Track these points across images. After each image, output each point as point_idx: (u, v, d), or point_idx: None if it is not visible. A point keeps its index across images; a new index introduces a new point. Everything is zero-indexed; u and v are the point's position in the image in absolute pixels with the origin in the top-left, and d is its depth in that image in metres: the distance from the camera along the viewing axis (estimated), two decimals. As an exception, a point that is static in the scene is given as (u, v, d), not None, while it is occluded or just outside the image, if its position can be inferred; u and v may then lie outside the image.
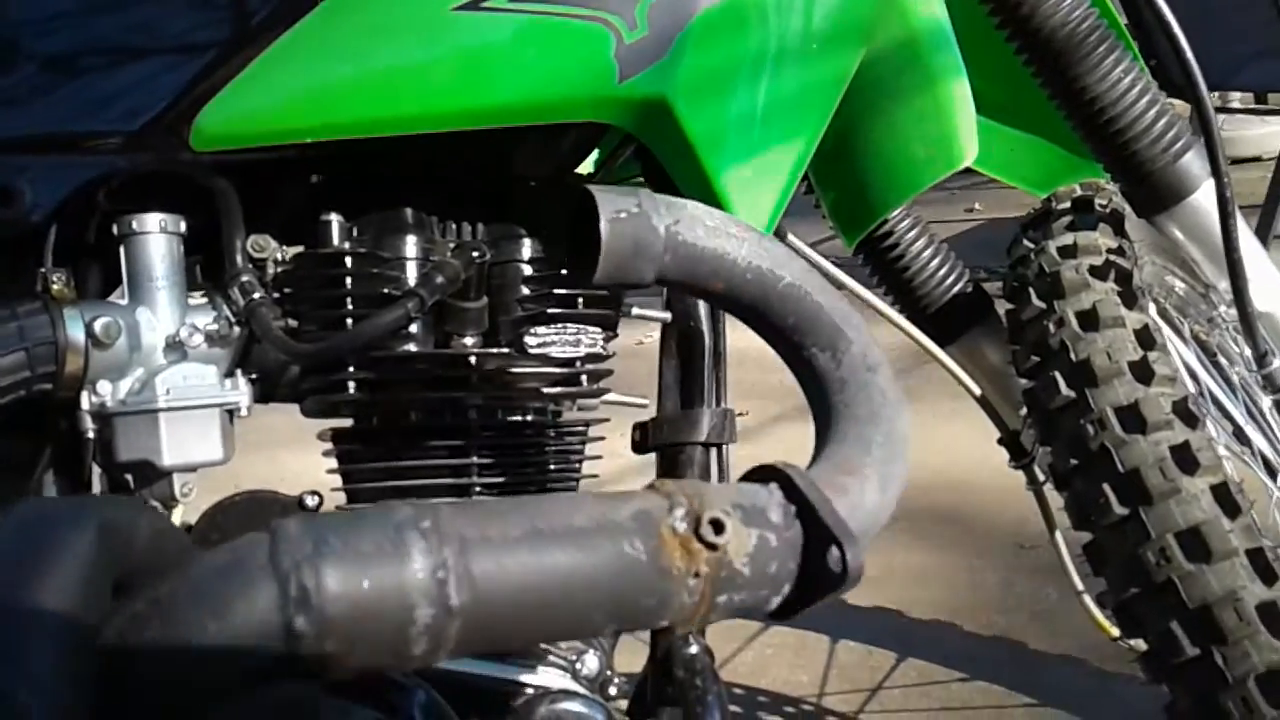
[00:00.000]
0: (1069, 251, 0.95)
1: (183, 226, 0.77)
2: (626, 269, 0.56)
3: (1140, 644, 0.84)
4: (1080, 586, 1.06)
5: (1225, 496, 0.80)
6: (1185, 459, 0.81)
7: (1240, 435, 1.11)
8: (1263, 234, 2.65)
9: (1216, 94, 3.62)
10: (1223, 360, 1.20)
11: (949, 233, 4.28)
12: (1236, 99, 3.69)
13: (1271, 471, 1.09)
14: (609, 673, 0.81)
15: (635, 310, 0.91)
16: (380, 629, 0.37)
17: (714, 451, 0.89)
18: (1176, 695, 0.81)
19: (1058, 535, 1.06)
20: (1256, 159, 4.50)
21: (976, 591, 1.97)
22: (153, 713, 0.34)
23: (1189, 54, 0.85)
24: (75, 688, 0.32)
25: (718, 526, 0.45)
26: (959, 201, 4.37)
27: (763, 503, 0.47)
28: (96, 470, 0.81)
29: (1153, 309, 1.17)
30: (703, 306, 0.89)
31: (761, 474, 0.49)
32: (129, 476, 0.77)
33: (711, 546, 0.44)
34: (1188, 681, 0.79)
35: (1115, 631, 0.88)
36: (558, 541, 0.42)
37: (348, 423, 0.82)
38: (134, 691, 0.34)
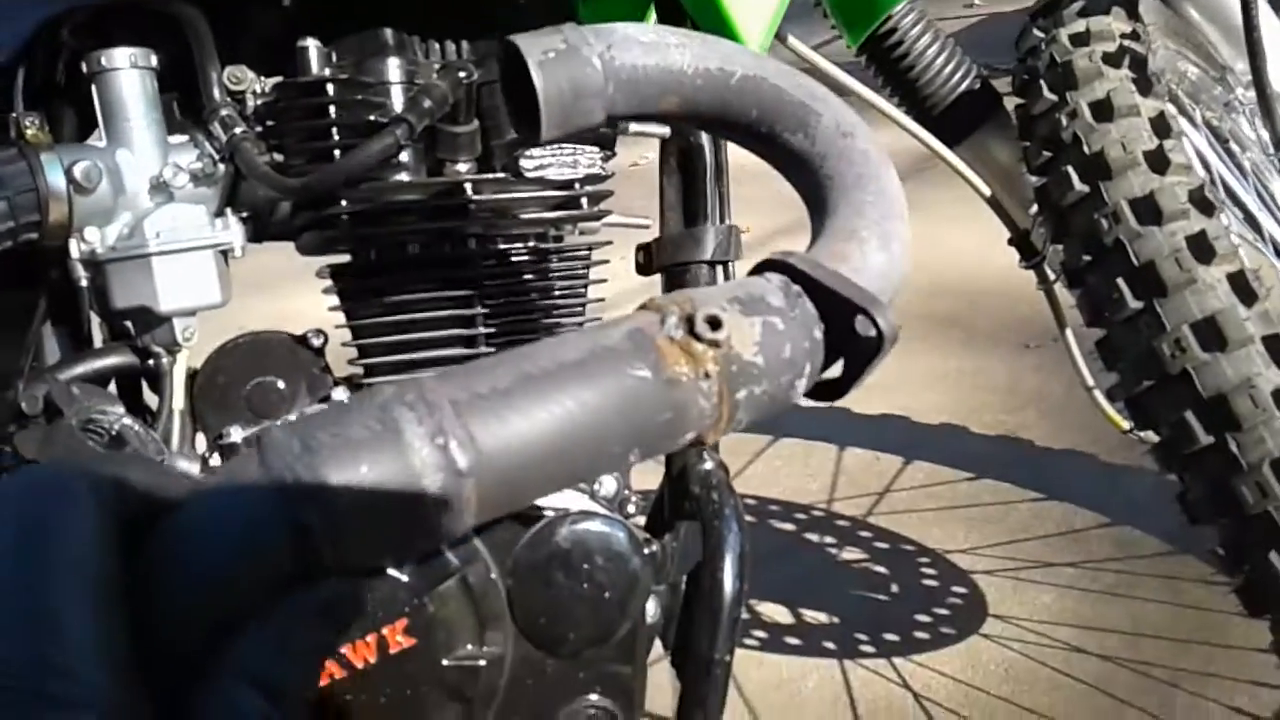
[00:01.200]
0: (1081, 39, 0.91)
1: (154, 60, 0.74)
2: (572, 113, 0.53)
3: (1152, 436, 0.84)
4: (1091, 382, 1.06)
5: (1242, 284, 0.79)
6: (1202, 248, 0.79)
7: (1252, 221, 1.09)
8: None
9: None
10: (1235, 146, 1.17)
11: (948, 30, 4.16)
12: None
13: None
14: (626, 492, 0.82)
15: (632, 126, 0.88)
16: (392, 508, 0.36)
17: (720, 269, 0.87)
18: (1189, 484, 0.82)
19: (1068, 333, 1.05)
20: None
21: (982, 393, 1.99)
22: (192, 646, 0.34)
23: None
24: (115, 645, 0.32)
25: (714, 322, 0.43)
26: (957, -4, 4.21)
27: (759, 291, 0.45)
28: (95, 319, 0.80)
29: (1165, 95, 1.13)
30: None
31: (756, 269, 0.48)
32: (128, 324, 0.75)
33: (713, 343, 0.43)
34: (1201, 470, 0.79)
35: (1126, 425, 0.88)
36: (551, 380, 0.41)
37: (345, 258, 0.80)
38: (165, 632, 0.33)
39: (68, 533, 0.33)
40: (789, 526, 1.75)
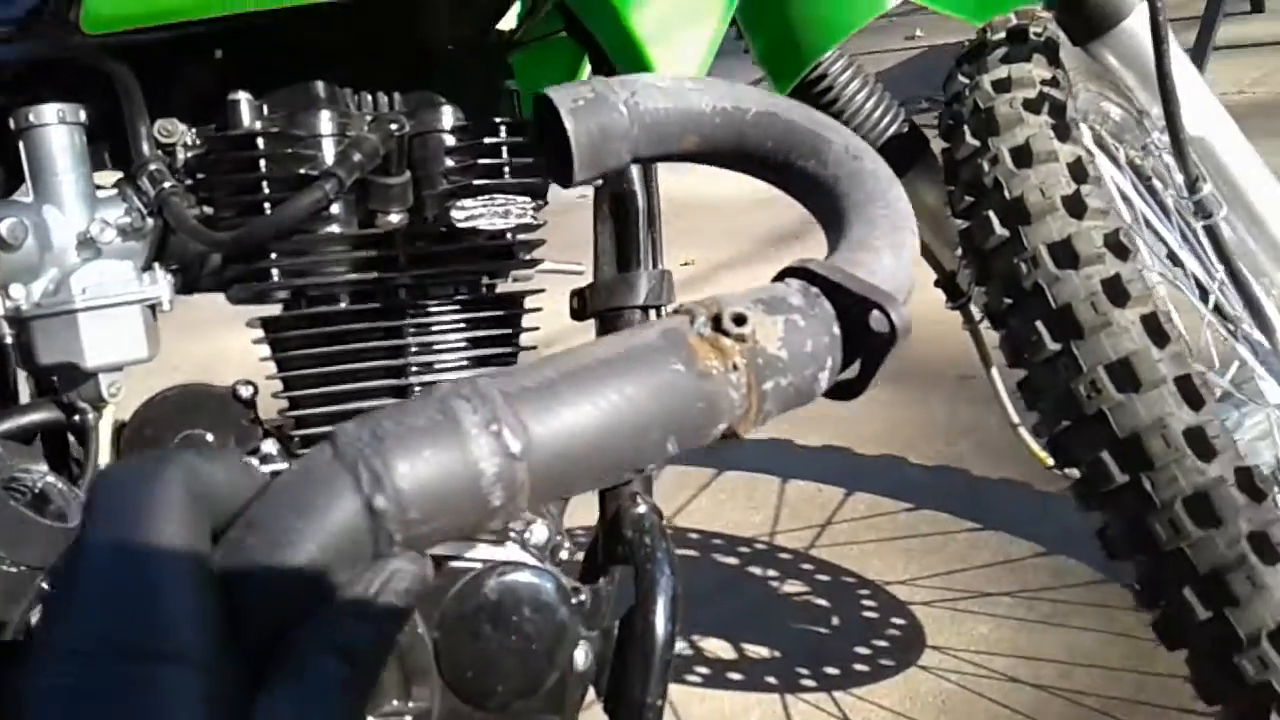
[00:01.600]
0: (1003, 85, 0.94)
1: (83, 116, 0.74)
2: (601, 155, 0.57)
3: (1073, 473, 0.86)
4: (1016, 420, 1.08)
5: (1154, 326, 0.81)
6: (1116, 291, 0.82)
7: (1175, 260, 1.13)
8: (1200, 51, 2.64)
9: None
10: (1158, 184, 1.21)
11: (890, 61, 4.22)
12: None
13: (1203, 294, 1.11)
14: (559, 538, 0.82)
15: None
16: (453, 489, 0.39)
17: (653, 314, 0.89)
18: (1108, 521, 0.84)
19: (994, 371, 1.08)
20: (1193, -31, 4.45)
21: (921, 423, 2.02)
22: (272, 623, 0.36)
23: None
24: (211, 615, 0.35)
25: (739, 319, 0.46)
26: (898, 29, 4.30)
27: (781, 293, 0.48)
28: (22, 375, 0.80)
29: (1088, 136, 1.16)
30: (634, 167, 0.87)
31: (778, 276, 0.51)
32: (54, 380, 0.75)
33: (740, 338, 0.46)
34: (1118, 507, 0.81)
35: (1051, 461, 0.90)
36: (593, 374, 0.44)
37: (277, 309, 0.80)
38: (248, 611, 0.36)
39: (162, 519, 0.36)
40: (732, 560, 1.76)
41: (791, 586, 1.67)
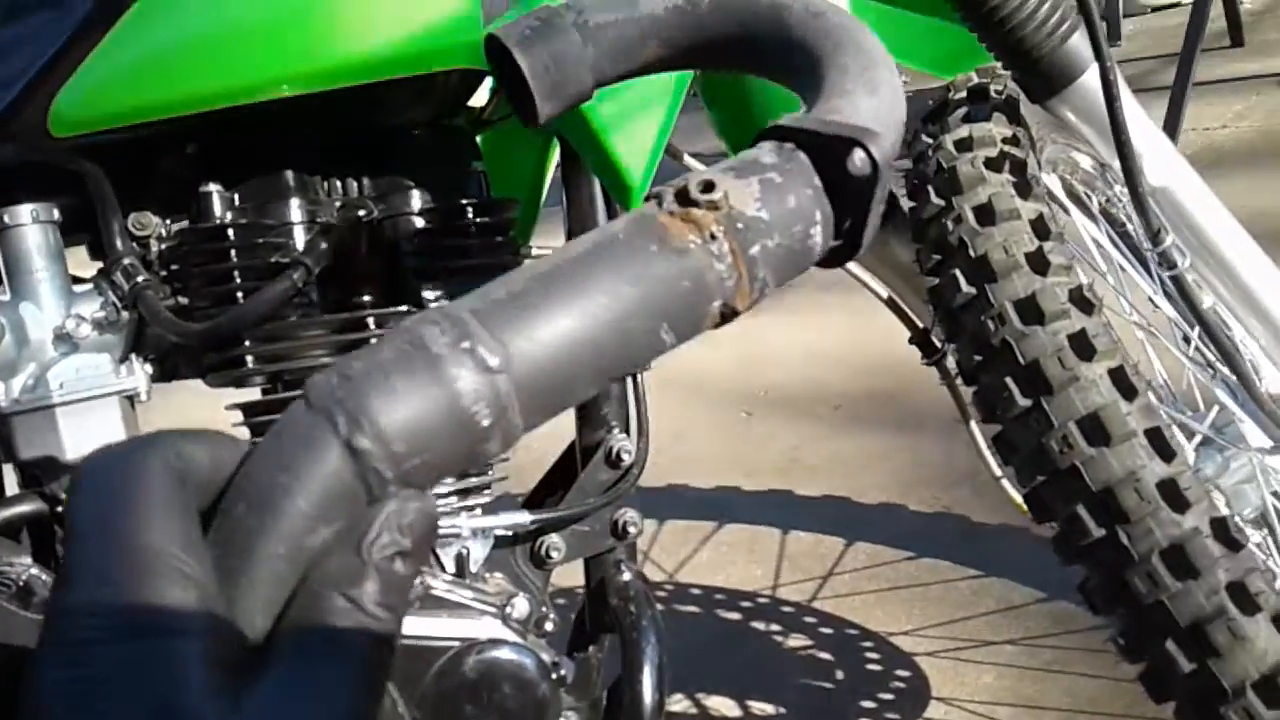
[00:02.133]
0: (964, 145, 0.95)
1: (56, 214, 0.76)
2: (562, 85, 0.54)
3: (1053, 527, 0.86)
4: (998, 472, 1.09)
5: (1122, 379, 0.82)
6: (1083, 346, 0.83)
7: (1152, 305, 1.13)
8: (1180, 87, 2.66)
9: (1132, -56, 3.58)
10: (1132, 230, 1.22)
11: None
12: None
13: (1183, 340, 1.12)
14: (543, 610, 0.83)
15: (535, 249, 0.91)
16: (435, 414, 0.37)
17: (629, 381, 0.90)
18: (1088, 574, 0.84)
19: (973, 425, 1.08)
20: (1175, 4, 4.50)
21: (920, 470, 2.02)
22: (276, 586, 0.35)
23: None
24: (206, 583, 0.34)
25: (707, 186, 0.43)
26: (885, 76, 4.32)
27: (751, 156, 0.45)
28: (7, 468, 0.81)
29: (1059, 186, 1.18)
30: (604, 218, 0.88)
31: (750, 142, 0.48)
32: (37, 472, 0.76)
33: (711, 205, 0.43)
34: (1096, 561, 0.82)
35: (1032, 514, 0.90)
36: (565, 274, 0.41)
37: (255, 394, 0.81)
38: (249, 578, 0.35)
39: (147, 499, 0.35)
40: (735, 615, 1.75)
41: (795, 640, 1.66)
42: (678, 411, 2.39)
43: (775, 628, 1.70)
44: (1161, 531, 0.78)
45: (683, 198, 0.43)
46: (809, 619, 1.70)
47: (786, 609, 1.73)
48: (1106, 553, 0.80)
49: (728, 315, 0.44)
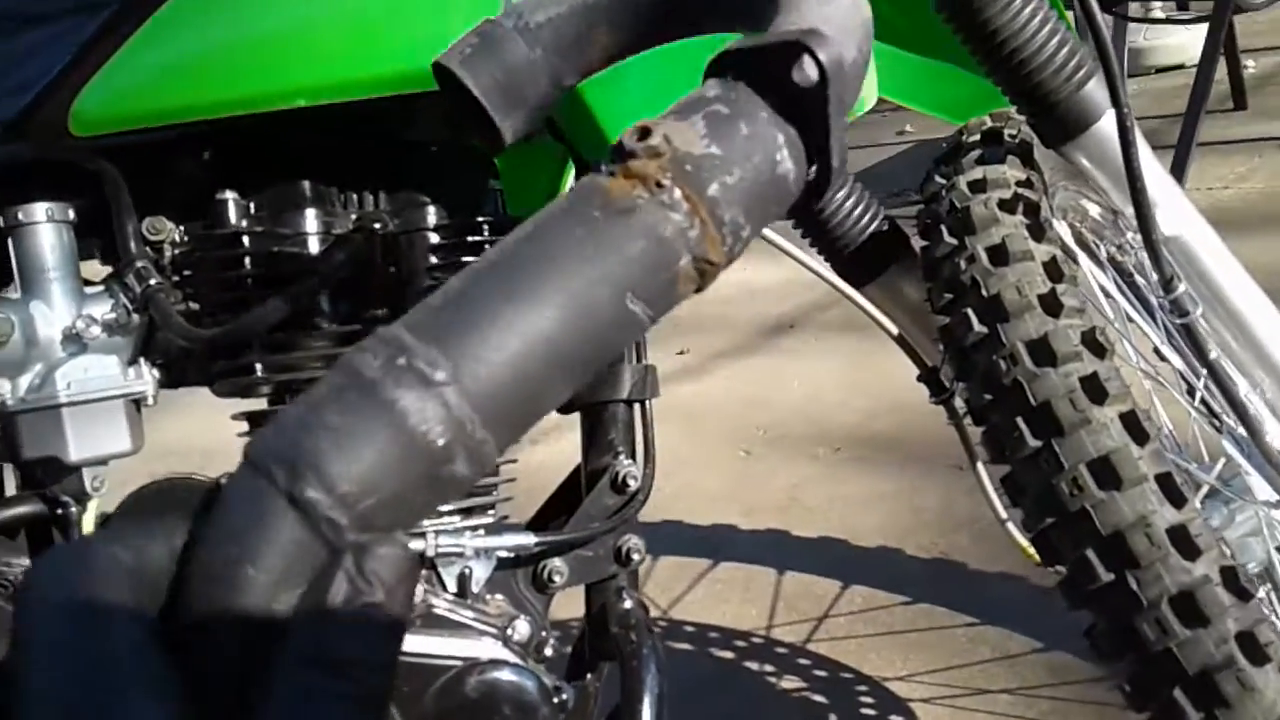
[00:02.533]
0: (978, 186, 0.95)
1: (71, 214, 0.76)
2: (519, 98, 0.50)
3: (1060, 570, 0.86)
4: (1004, 515, 1.08)
5: (1134, 424, 0.81)
6: (1094, 389, 0.82)
7: (1159, 355, 1.13)
8: (1184, 147, 2.68)
9: (1139, 3, 3.62)
10: (1140, 280, 1.22)
11: (882, 155, 4.29)
12: (1158, 7, 3.71)
13: (1189, 390, 1.11)
14: (544, 634, 0.82)
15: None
16: (382, 446, 0.33)
17: (637, 407, 0.89)
18: (1095, 619, 0.83)
19: (979, 467, 1.08)
20: (1179, 67, 4.55)
21: (918, 515, 2.01)
22: (246, 667, 0.33)
23: (1086, -16, 0.85)
24: (177, 689, 0.32)
25: (643, 132, 0.38)
26: (890, 124, 4.37)
27: (692, 96, 0.40)
28: (8, 467, 0.80)
29: (1068, 233, 1.18)
30: None
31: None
32: (39, 473, 0.75)
33: (652, 152, 0.38)
34: (1104, 606, 0.81)
35: (1039, 557, 0.89)
36: (503, 263, 0.36)
37: (262, 404, 0.81)
38: (218, 661, 0.33)
39: (101, 596, 0.33)
40: (729, 654, 1.73)
41: (789, 682, 1.64)
42: (674, 448, 2.38)
43: (769, 668, 1.68)
44: (1171, 578, 0.78)
45: (619, 153, 0.38)
46: (803, 661, 1.68)
47: (781, 650, 1.72)
48: (1115, 598, 0.79)
49: (706, 271, 0.39)
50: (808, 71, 0.39)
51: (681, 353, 2.93)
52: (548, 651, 0.82)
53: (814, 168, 0.41)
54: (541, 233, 0.37)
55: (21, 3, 0.74)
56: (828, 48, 0.39)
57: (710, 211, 0.38)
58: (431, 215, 0.81)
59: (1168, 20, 3.45)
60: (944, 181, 0.98)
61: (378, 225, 0.78)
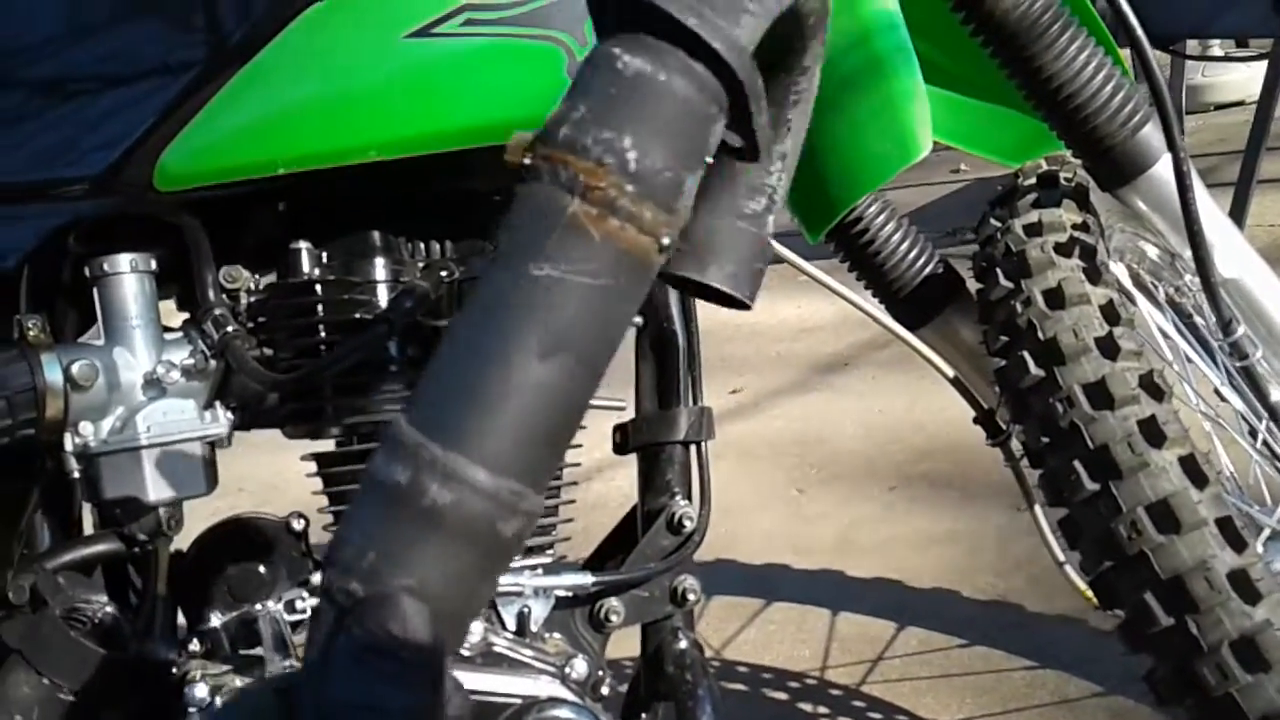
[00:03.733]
0: (1034, 229, 0.96)
1: (153, 264, 0.79)
2: (749, 269, 0.52)
3: (1119, 614, 0.85)
4: (1061, 558, 1.07)
5: (1193, 467, 0.81)
6: (1153, 432, 0.82)
7: (1219, 396, 1.13)
8: (1244, 185, 2.65)
9: (1197, 41, 3.60)
10: (1199, 321, 1.22)
11: (935, 195, 4.28)
12: (1216, 45, 3.68)
13: (1250, 431, 1.11)
14: (600, 673, 0.83)
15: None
16: (441, 547, 0.35)
17: (693, 449, 0.91)
18: (1155, 663, 0.83)
19: (1037, 509, 1.07)
20: (1239, 103, 4.50)
21: (975, 556, 1.99)
22: None
23: (1139, 30, 0.86)
24: None
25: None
26: (944, 163, 4.36)
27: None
28: (86, 507, 0.83)
29: (1125, 275, 1.18)
30: (674, 307, 0.90)
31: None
32: (117, 512, 0.78)
33: (521, 143, 0.39)
34: (1164, 650, 0.81)
35: (1097, 600, 0.89)
36: (465, 324, 0.39)
37: (330, 445, 0.83)
38: None
39: None
40: (782, 695, 1.73)
41: (843, 724, 1.64)
42: (727, 486, 2.39)
43: (823, 710, 1.67)
44: (1232, 622, 0.77)
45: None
46: (858, 703, 1.67)
47: (835, 691, 1.71)
48: (1175, 642, 0.79)
49: (608, 198, 0.39)
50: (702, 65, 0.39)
51: (735, 391, 2.94)
52: (604, 690, 0.83)
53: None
54: (477, 284, 0.40)
55: (107, 65, 0.78)
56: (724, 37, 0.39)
57: (569, 149, 0.38)
58: (494, 262, 0.83)
59: (1227, 58, 3.43)
60: (999, 224, 0.99)
61: (444, 273, 0.81)
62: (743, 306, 0.53)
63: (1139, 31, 0.86)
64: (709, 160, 0.42)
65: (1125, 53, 0.99)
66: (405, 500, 0.36)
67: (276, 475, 2.26)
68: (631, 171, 0.39)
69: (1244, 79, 4.41)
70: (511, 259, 0.39)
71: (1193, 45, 3.44)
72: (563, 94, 0.41)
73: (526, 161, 0.40)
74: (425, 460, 0.36)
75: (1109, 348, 0.86)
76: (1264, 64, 2.77)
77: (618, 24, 0.40)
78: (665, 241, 0.40)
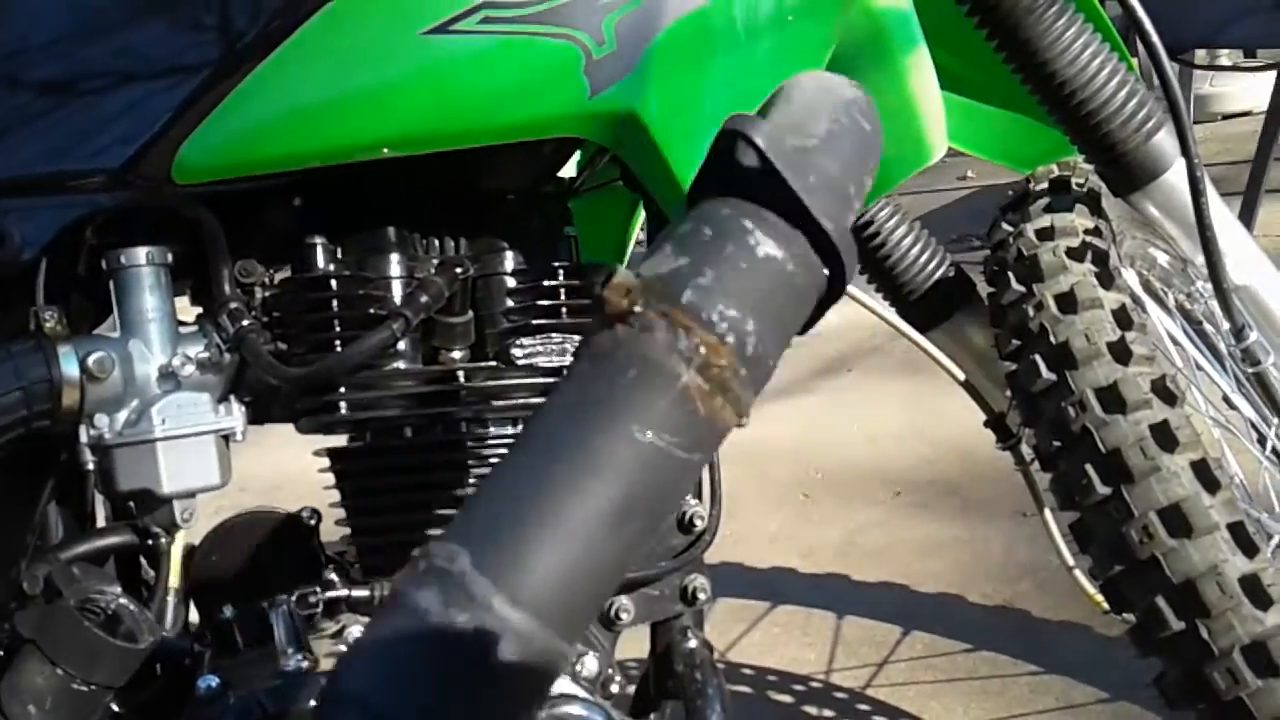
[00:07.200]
0: (1046, 234, 0.96)
1: (170, 258, 0.79)
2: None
3: (1130, 618, 0.85)
4: (1071, 562, 1.07)
5: (1204, 472, 0.81)
6: (1165, 437, 0.82)
7: (1228, 403, 1.12)
8: (1252, 192, 2.66)
9: (1205, 51, 3.60)
10: (1209, 328, 1.22)
11: (942, 201, 4.28)
12: (1225, 55, 3.68)
13: (1260, 439, 1.11)
14: (609, 671, 0.83)
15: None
16: (471, 685, 0.35)
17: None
18: (1166, 668, 0.83)
19: (1047, 513, 1.07)
20: (1247, 113, 4.49)
21: (980, 561, 1.99)
22: None
23: (1154, 36, 0.86)
24: None
25: (608, 275, 0.38)
26: (951, 170, 4.36)
27: (663, 232, 0.40)
28: (100, 499, 0.83)
29: (1135, 281, 1.18)
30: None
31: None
32: (131, 504, 0.79)
33: (621, 289, 0.38)
34: (1175, 654, 0.80)
35: (1107, 605, 0.89)
36: (526, 451, 0.37)
37: (342, 440, 0.83)
38: None
39: None
40: (787, 698, 1.73)
41: (847, 728, 1.63)
42: (732, 489, 2.38)
43: (828, 713, 1.67)
44: (1243, 628, 0.77)
45: (597, 305, 0.38)
46: (863, 706, 1.67)
47: (840, 695, 1.71)
48: (1186, 646, 0.79)
49: (723, 380, 0.38)
50: (743, 156, 0.39)
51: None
52: (614, 689, 0.84)
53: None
54: (549, 411, 0.37)
55: (126, 60, 0.78)
56: (759, 128, 0.39)
57: (693, 317, 0.37)
58: (509, 260, 0.84)
59: (1235, 68, 3.42)
60: (1011, 229, 0.99)
61: (459, 270, 0.81)
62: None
63: (1154, 37, 0.86)
64: None
65: (1136, 60, 0.99)
66: (437, 629, 0.35)
67: (278, 474, 2.27)
68: (748, 356, 0.38)
69: (1250, 89, 4.41)
70: (616, 414, 0.37)
71: (1201, 55, 3.44)
72: (669, 238, 0.39)
73: (637, 309, 0.38)
74: (464, 593, 0.35)
75: (1121, 352, 0.86)
76: (1272, 74, 2.77)
77: (744, 183, 0.39)
78: (745, 422, 0.39)
